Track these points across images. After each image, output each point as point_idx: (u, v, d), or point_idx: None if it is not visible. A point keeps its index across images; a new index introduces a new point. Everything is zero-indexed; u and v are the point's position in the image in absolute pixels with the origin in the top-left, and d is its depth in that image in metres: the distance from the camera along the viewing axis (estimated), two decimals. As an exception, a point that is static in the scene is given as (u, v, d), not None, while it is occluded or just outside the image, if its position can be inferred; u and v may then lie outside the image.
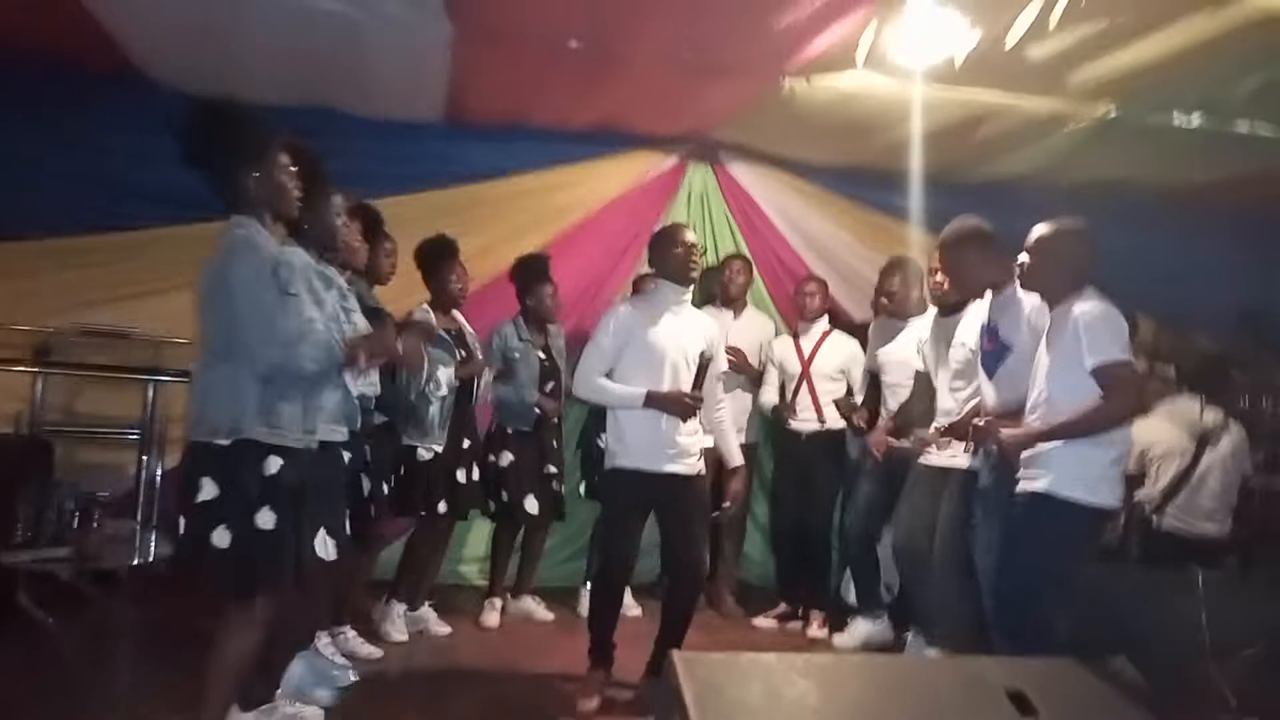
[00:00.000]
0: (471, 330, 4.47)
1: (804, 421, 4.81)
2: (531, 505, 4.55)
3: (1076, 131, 4.48)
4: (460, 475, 4.30)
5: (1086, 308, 2.98)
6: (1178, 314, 5.29)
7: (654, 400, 3.39)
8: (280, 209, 2.67)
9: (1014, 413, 3.23)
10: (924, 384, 4.14)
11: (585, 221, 5.48)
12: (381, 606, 4.23)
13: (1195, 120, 4.33)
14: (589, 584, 4.83)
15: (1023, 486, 3.05)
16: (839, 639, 4.50)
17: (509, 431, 4.61)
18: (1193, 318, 5.33)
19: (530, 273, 4.71)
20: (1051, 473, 2.95)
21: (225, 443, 2.52)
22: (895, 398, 4.42)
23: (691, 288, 3.63)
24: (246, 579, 2.55)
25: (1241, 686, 3.52)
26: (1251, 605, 3.73)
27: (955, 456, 3.81)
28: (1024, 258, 3.16)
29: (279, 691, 3.01)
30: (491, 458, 4.56)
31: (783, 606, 4.92)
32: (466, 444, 4.35)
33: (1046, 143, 4.62)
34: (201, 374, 2.62)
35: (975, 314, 3.78)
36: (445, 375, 4.04)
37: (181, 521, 2.58)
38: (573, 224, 5.45)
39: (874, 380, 4.65)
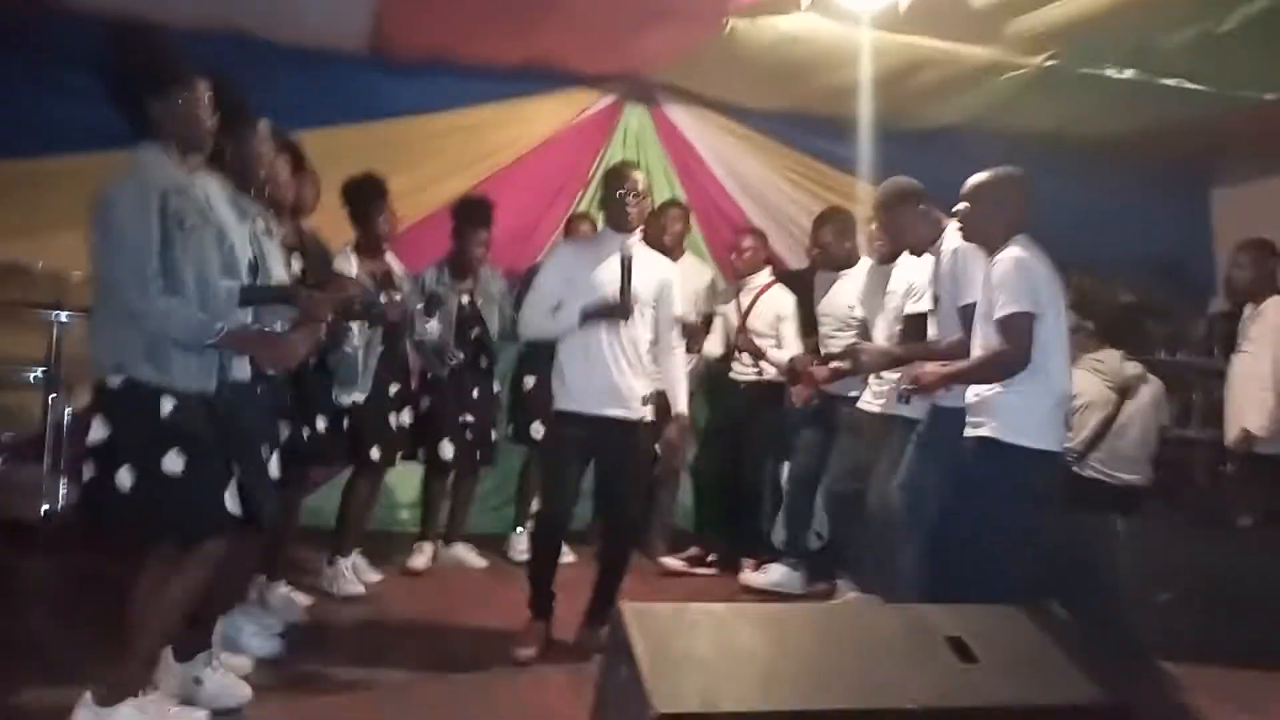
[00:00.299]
0: (402, 271, 4.31)
1: (742, 371, 4.81)
2: (446, 451, 4.46)
3: (1014, 80, 4.47)
4: (392, 420, 4.18)
5: (1004, 258, 3.04)
6: (1100, 264, 5.38)
7: (590, 314, 3.32)
8: (192, 139, 2.49)
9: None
10: (864, 334, 4.17)
11: (517, 161, 5.31)
12: (328, 569, 4.10)
13: (1128, 72, 4.35)
14: (518, 530, 4.85)
15: (968, 433, 3.09)
16: (752, 578, 4.55)
17: (428, 377, 4.51)
18: (1113, 268, 5.43)
19: (466, 215, 4.56)
20: (995, 419, 3.01)
21: (115, 383, 2.41)
22: (828, 348, 4.43)
23: (633, 234, 3.53)
24: (152, 525, 2.44)
25: (1159, 629, 3.67)
26: (1169, 551, 3.87)
27: (889, 402, 3.87)
28: (961, 206, 3.17)
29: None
30: (419, 404, 4.46)
31: (693, 550, 4.95)
32: (395, 389, 4.21)
33: (984, 90, 4.61)
34: (94, 309, 2.53)
35: (907, 264, 3.84)
36: (356, 326, 3.88)
37: (85, 466, 2.46)
38: (504, 164, 5.28)
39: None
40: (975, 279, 3.29)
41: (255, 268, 2.67)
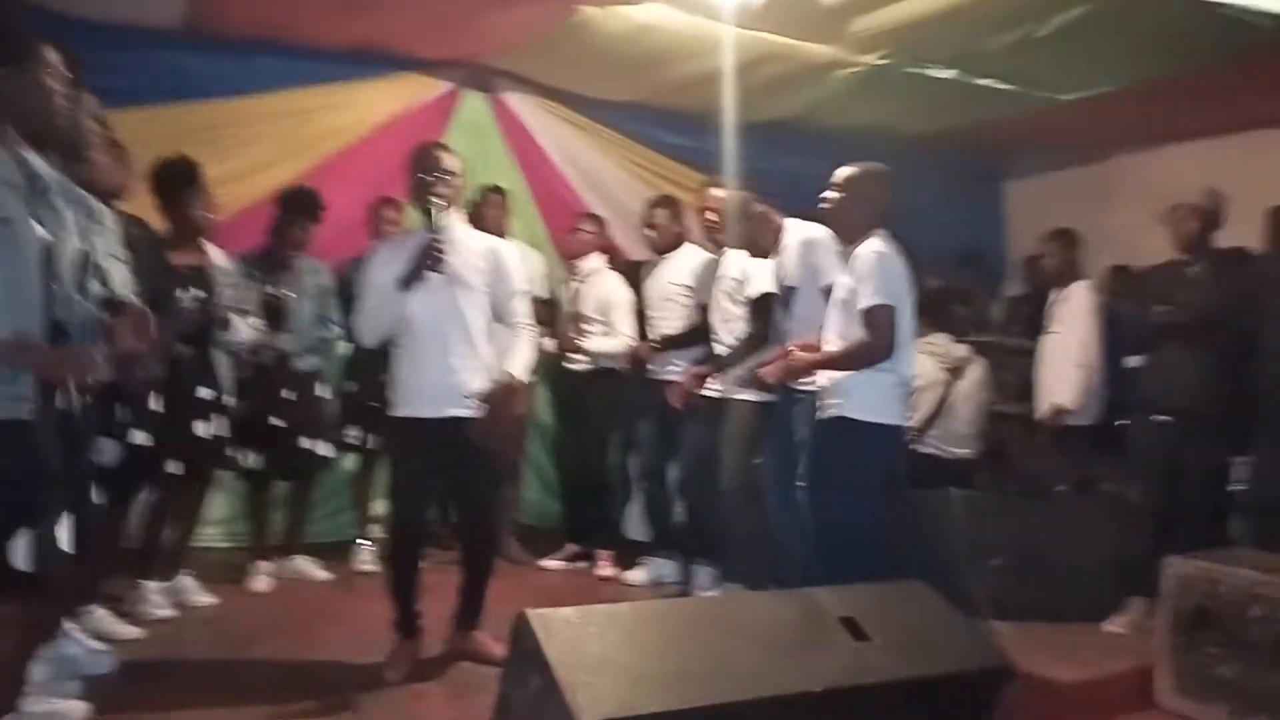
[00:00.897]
0: (223, 263, 3.95)
1: (576, 360, 4.77)
2: (252, 460, 4.14)
3: (850, 77, 4.66)
4: (199, 429, 3.76)
5: (866, 251, 3.18)
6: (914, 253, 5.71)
7: (407, 278, 3.10)
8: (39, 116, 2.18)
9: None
10: (697, 314, 4.32)
11: (348, 150, 5.04)
12: (131, 592, 3.73)
13: (950, 72, 4.62)
14: (358, 540, 4.61)
15: (822, 414, 3.24)
16: (631, 575, 4.55)
17: (235, 377, 4.08)
18: (922, 256, 5.77)
19: (291, 207, 4.30)
20: (845, 399, 3.17)
21: None
22: (657, 329, 4.55)
23: (442, 214, 3.21)
24: None
25: (990, 593, 3.93)
26: (997, 519, 4.15)
27: (731, 389, 3.99)
28: (829, 194, 3.27)
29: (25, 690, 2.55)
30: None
31: (568, 548, 4.89)
32: (205, 394, 3.81)
33: (822, 86, 4.78)
34: None
35: (737, 253, 4.02)
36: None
37: None
38: (333, 152, 5.00)
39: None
40: (831, 264, 3.50)
41: (87, 266, 2.35)
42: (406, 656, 3.22)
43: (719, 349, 4.12)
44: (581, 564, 4.80)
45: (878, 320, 3.09)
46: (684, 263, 4.53)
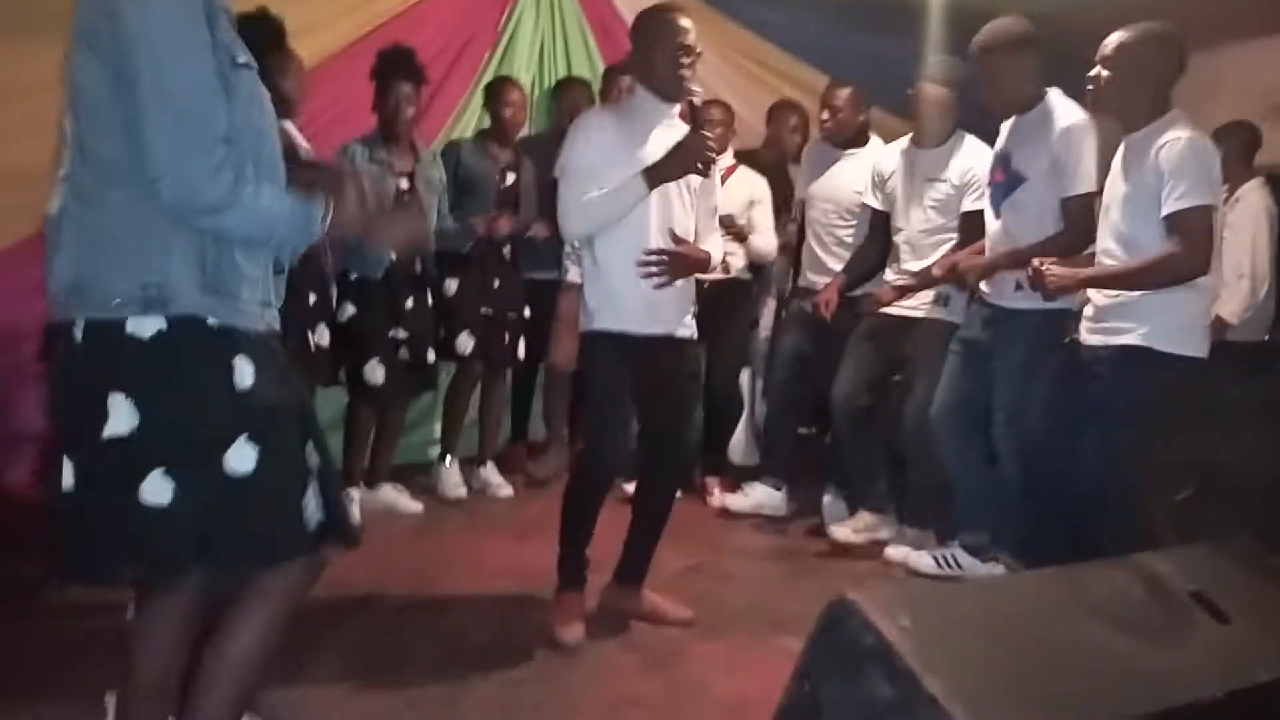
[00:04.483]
0: (305, 143, 3.28)
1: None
2: (375, 374, 3.57)
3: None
4: (310, 339, 3.25)
5: (1170, 138, 2.60)
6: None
7: (661, 173, 2.56)
8: None
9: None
10: (881, 226, 3.67)
11: (405, 12, 4.28)
12: None
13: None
14: (446, 461, 4.08)
15: (1102, 340, 2.71)
16: (731, 500, 4.08)
17: (351, 279, 3.57)
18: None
19: (391, 69, 3.59)
20: (1146, 324, 2.63)
21: (144, 327, 1.49)
22: (824, 240, 3.91)
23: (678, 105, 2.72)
24: (201, 553, 1.57)
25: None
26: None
27: (924, 304, 3.46)
28: (1099, 71, 2.70)
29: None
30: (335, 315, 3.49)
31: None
32: (313, 299, 3.27)
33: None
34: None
35: (966, 150, 3.43)
36: None
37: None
38: (389, 12, 4.23)
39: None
40: (1088, 167, 2.92)
41: None
42: (577, 613, 2.73)
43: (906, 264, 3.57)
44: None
45: (1193, 226, 2.54)
46: (866, 162, 3.81)
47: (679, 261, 2.65)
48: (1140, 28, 2.67)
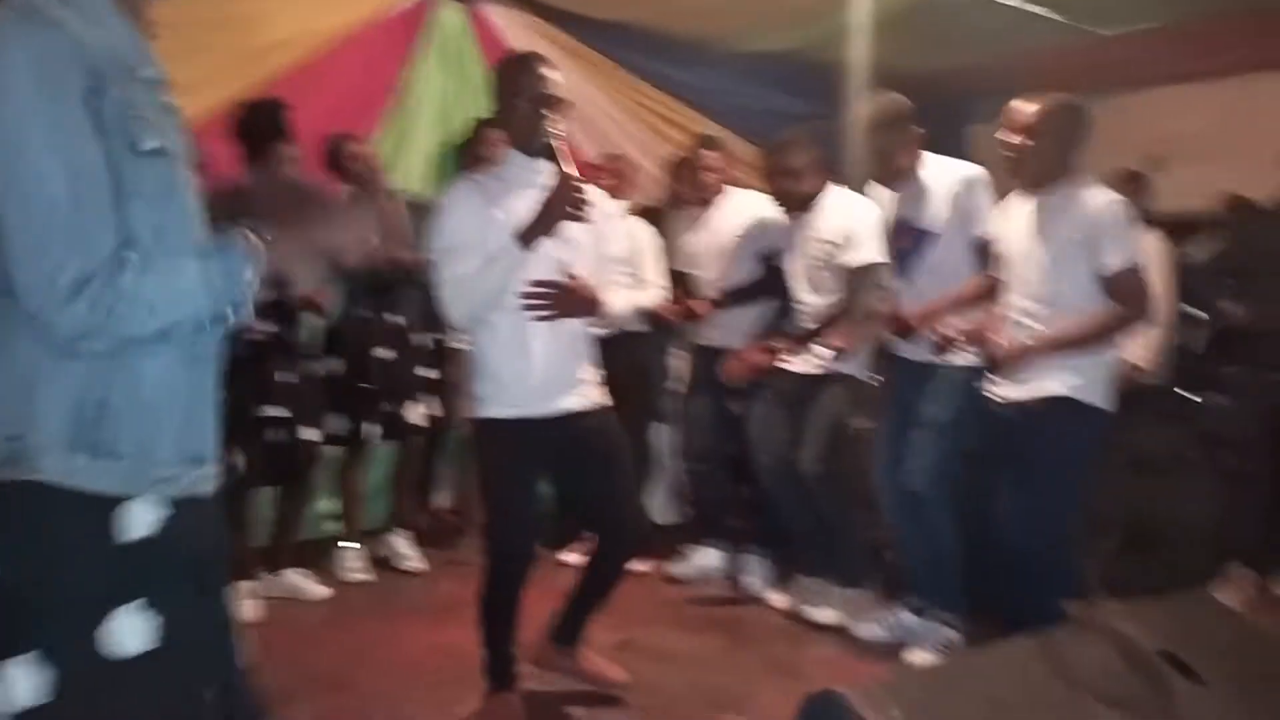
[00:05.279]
0: None
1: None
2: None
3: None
4: None
5: (1097, 200, 2.67)
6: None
7: (533, 233, 2.33)
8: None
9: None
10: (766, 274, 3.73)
11: (303, 66, 4.09)
12: None
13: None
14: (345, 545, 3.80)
15: (1026, 394, 2.69)
16: (675, 569, 3.97)
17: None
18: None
19: (262, 126, 3.40)
20: (1072, 376, 2.65)
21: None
22: (701, 289, 3.92)
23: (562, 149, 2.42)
24: None
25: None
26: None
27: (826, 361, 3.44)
28: (1014, 139, 2.74)
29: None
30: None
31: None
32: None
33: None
34: None
35: (838, 209, 3.43)
36: None
37: None
38: (283, 69, 4.03)
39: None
40: (985, 213, 3.03)
41: None
42: (511, 716, 2.52)
43: (801, 317, 3.53)
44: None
45: (1135, 283, 2.63)
46: (741, 210, 3.85)
47: (566, 297, 2.43)
48: (1056, 99, 2.74)
